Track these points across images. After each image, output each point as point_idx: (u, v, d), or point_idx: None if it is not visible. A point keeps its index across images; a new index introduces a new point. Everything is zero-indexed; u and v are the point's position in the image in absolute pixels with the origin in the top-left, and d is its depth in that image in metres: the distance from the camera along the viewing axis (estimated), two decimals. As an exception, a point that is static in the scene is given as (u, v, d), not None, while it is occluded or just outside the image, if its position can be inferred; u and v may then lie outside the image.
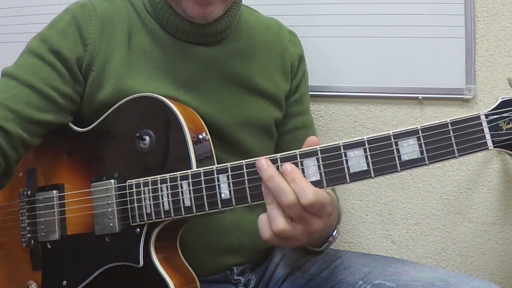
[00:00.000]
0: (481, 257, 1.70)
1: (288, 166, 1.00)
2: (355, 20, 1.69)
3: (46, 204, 1.26)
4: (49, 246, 1.25)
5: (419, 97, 1.67)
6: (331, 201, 1.02)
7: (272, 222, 1.00)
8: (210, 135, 1.21)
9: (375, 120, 1.72)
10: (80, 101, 1.28)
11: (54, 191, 1.25)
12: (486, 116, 0.93)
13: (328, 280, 1.33)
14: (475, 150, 0.94)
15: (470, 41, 1.61)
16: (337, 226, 1.18)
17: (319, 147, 1.01)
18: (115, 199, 1.17)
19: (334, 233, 1.17)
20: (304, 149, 1.02)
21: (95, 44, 1.27)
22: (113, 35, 1.29)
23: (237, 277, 1.38)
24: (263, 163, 1.02)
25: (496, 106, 0.94)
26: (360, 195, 1.77)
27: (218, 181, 1.07)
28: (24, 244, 1.28)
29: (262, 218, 1.02)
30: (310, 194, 0.97)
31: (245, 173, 1.05)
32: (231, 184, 1.06)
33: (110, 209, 1.17)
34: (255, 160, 1.04)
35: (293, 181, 0.98)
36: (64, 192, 1.25)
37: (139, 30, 1.32)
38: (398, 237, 1.75)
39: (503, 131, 0.92)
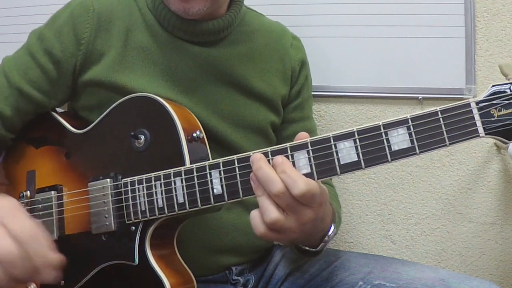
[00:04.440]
0: (481, 257, 1.69)
1: (279, 158, 1.00)
2: (355, 20, 1.69)
3: (45, 204, 1.26)
4: (47, 246, 1.25)
5: (419, 97, 1.67)
6: (321, 191, 1.01)
7: (264, 213, 0.99)
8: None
9: (375, 120, 1.69)
10: (66, 99, 1.35)
11: (53, 192, 1.25)
12: (477, 103, 0.92)
13: (328, 280, 1.32)
14: (466, 137, 0.92)
15: (470, 41, 1.61)
16: (333, 224, 1.17)
17: (309, 140, 1.01)
18: (111, 198, 1.17)
19: (329, 232, 1.16)
20: (295, 142, 1.02)
21: (89, 43, 1.29)
22: (110, 31, 1.30)
23: (235, 277, 1.38)
24: (256, 155, 1.02)
25: (487, 93, 0.92)
26: (360, 195, 1.77)
27: (211, 176, 1.07)
28: (23, 245, 1.29)
29: (254, 214, 1.01)
30: (301, 184, 0.96)
31: (237, 168, 1.05)
32: (223, 179, 1.06)
33: (106, 208, 1.17)
34: (247, 154, 1.04)
35: (283, 172, 0.98)
36: (62, 193, 1.25)
37: (139, 26, 1.32)
38: (398, 237, 1.75)
39: (495, 118, 0.91)
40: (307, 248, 1.19)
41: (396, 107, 1.70)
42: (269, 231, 1.00)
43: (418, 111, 1.63)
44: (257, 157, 1.01)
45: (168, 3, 1.28)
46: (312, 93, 1.59)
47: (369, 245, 1.78)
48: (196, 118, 1.24)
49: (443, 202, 1.70)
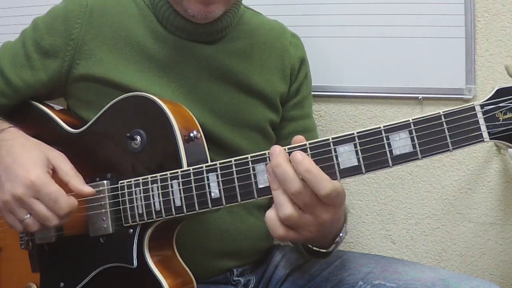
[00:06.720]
0: (481, 257, 1.69)
1: (299, 155, 0.95)
2: (355, 20, 1.68)
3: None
4: (46, 248, 1.25)
5: (419, 97, 1.67)
6: (343, 191, 0.98)
7: (279, 208, 0.95)
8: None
9: (375, 120, 1.72)
10: (45, 91, 1.35)
11: None
12: (482, 106, 0.88)
13: (328, 280, 1.33)
14: (470, 142, 0.89)
15: (470, 41, 1.61)
16: (344, 225, 1.15)
17: (308, 143, 0.97)
18: (108, 200, 1.16)
19: (341, 233, 1.14)
20: (293, 145, 0.98)
21: (79, 38, 1.29)
22: (102, 27, 1.31)
23: (236, 278, 1.38)
24: (276, 149, 0.97)
25: (492, 95, 0.88)
26: (360, 195, 1.77)
27: (208, 180, 1.05)
28: (22, 246, 1.28)
29: (270, 214, 0.97)
30: (328, 184, 0.93)
31: (235, 172, 1.03)
32: (220, 182, 1.04)
33: (103, 210, 1.16)
34: (244, 158, 1.02)
35: (308, 171, 0.93)
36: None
37: (136, 22, 1.32)
38: (398, 237, 1.75)
39: (500, 122, 0.87)
40: (317, 249, 1.17)
41: (396, 107, 1.70)
42: (287, 231, 0.97)
43: (418, 111, 1.67)
44: (276, 151, 0.97)
45: (182, 8, 1.27)
46: (312, 93, 1.59)
47: (369, 245, 1.78)
48: (193, 116, 1.22)
49: (443, 202, 1.70)
